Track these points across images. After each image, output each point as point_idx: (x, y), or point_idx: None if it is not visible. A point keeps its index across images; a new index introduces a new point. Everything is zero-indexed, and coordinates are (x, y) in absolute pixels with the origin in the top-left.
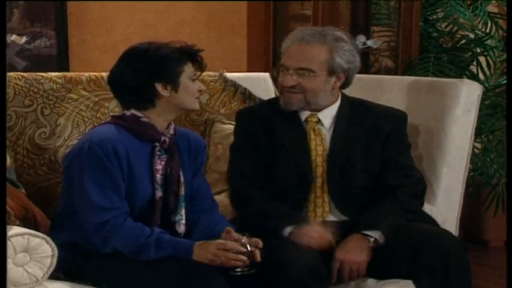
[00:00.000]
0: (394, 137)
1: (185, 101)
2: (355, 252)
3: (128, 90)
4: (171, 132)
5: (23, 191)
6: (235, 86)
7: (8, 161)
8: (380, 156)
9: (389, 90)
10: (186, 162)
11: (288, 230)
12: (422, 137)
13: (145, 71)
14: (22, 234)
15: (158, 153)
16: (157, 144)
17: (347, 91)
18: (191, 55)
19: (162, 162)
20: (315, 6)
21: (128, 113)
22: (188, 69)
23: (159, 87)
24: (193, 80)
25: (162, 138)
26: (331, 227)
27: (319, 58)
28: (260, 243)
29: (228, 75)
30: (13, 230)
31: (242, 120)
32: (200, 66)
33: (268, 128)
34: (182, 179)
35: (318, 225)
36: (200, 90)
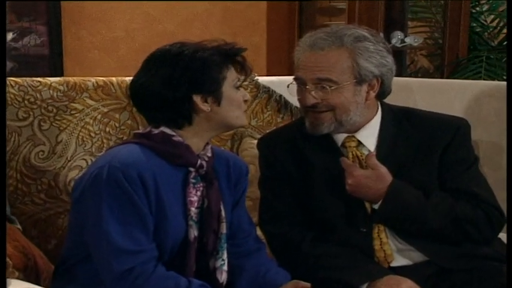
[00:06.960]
0: (452, 152)
1: (229, 115)
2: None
3: (159, 105)
4: (209, 154)
5: (19, 226)
6: (268, 92)
7: None
8: (438, 176)
9: (469, 98)
10: (225, 192)
11: (364, 286)
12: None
13: (180, 80)
14: None
15: (193, 180)
16: (192, 169)
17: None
18: (233, 56)
19: (198, 192)
20: (351, 2)
21: (155, 130)
22: (231, 75)
23: (197, 100)
24: (237, 88)
25: (199, 162)
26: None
27: (338, 65)
28: None
29: (260, 79)
30: (11, 287)
31: (266, 149)
32: (243, 69)
33: (299, 156)
34: (223, 213)
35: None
36: (246, 100)
